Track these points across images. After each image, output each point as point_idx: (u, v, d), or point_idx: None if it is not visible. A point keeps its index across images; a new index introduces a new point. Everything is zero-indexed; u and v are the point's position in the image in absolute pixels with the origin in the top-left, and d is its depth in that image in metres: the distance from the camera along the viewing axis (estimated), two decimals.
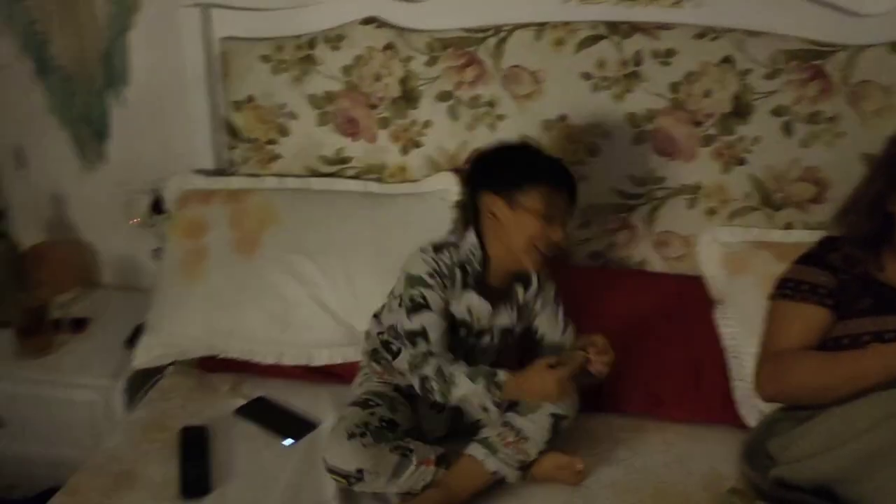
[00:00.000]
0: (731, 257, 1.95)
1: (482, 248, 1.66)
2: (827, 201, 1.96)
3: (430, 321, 1.60)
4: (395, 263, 1.84)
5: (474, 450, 1.60)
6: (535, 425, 1.61)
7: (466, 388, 1.56)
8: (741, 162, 1.96)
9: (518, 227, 1.59)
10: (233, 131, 2.11)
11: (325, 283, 1.91)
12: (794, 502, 1.52)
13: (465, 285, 1.64)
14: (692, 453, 1.72)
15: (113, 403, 1.98)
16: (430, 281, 1.61)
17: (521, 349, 1.77)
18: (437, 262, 1.62)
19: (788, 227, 2.00)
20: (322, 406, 1.83)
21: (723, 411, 1.81)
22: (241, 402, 1.83)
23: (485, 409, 1.61)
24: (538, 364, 1.56)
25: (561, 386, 1.53)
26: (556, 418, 1.62)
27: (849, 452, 1.46)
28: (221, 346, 1.91)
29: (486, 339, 1.70)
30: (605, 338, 1.60)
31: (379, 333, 1.76)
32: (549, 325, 1.74)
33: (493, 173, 1.63)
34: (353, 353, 1.88)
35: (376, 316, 1.79)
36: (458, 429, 1.72)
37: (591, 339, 1.60)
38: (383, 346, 1.74)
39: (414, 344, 1.60)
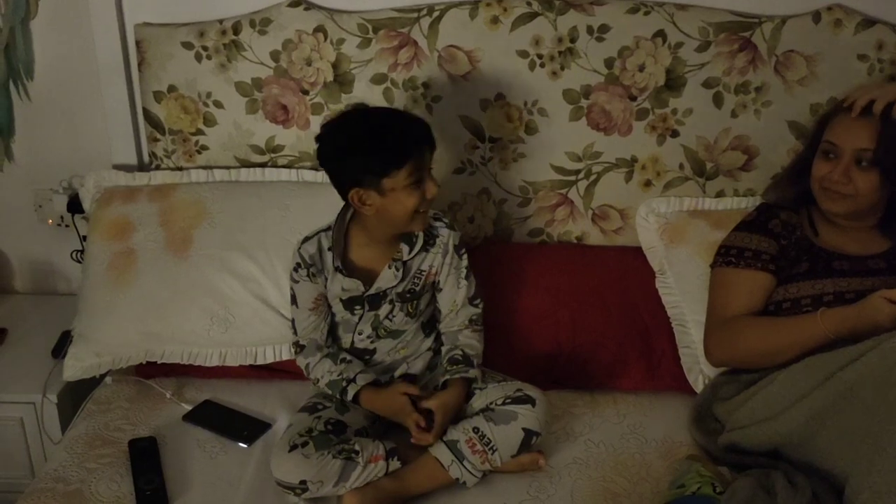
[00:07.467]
0: (667, 227, 1.99)
1: (345, 229, 1.68)
2: (755, 168, 2.02)
3: (296, 315, 1.71)
4: None
5: (440, 453, 1.55)
6: (506, 438, 1.56)
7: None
8: (674, 134, 1.99)
9: (397, 206, 1.57)
10: (154, 123, 1.99)
11: (265, 280, 1.84)
12: (746, 465, 1.56)
13: (336, 267, 1.66)
14: (645, 423, 1.76)
15: (46, 419, 1.87)
16: (295, 276, 1.69)
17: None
18: (300, 255, 1.68)
19: (720, 195, 2.05)
20: (272, 404, 1.78)
21: (671, 379, 1.85)
22: (187, 407, 1.76)
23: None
24: (395, 388, 1.64)
25: (404, 418, 1.59)
26: (529, 434, 1.57)
27: (791, 417, 1.51)
28: (160, 350, 1.82)
29: (387, 306, 1.68)
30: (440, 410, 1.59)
31: None
32: (446, 277, 1.72)
33: (350, 168, 1.57)
34: None
35: None
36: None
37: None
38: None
39: (294, 334, 1.73)
